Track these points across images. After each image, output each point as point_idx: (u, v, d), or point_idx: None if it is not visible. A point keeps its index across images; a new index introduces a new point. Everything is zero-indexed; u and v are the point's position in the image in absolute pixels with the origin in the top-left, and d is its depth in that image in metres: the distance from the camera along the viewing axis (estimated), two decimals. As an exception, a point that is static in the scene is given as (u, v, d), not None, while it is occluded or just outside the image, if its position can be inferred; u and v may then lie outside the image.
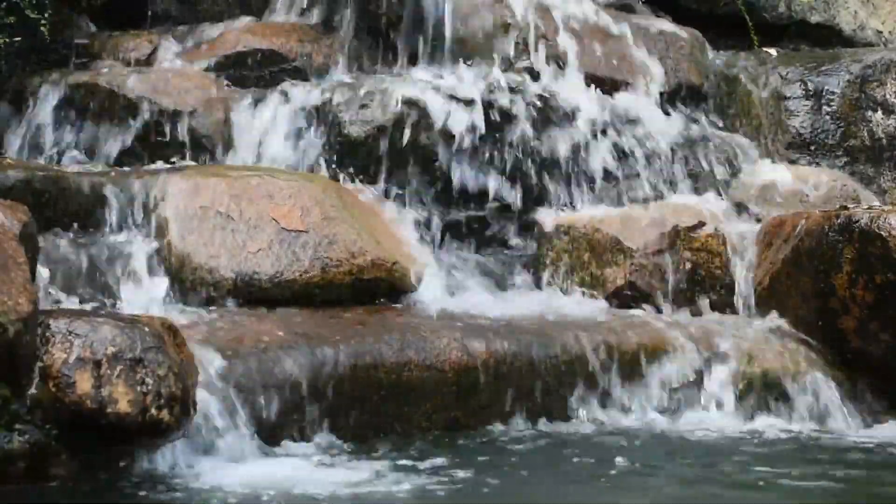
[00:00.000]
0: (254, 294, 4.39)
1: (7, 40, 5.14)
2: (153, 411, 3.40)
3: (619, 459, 3.89)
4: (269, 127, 5.21)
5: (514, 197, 5.24)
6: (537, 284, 5.10)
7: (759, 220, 5.20)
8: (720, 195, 5.48)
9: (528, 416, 4.29)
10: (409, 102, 5.13)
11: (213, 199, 4.54)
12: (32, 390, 3.37)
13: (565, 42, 5.62)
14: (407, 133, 5.11)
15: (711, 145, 5.58)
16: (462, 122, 5.17)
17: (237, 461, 3.63)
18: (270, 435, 3.81)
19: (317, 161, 5.12)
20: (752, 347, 4.60)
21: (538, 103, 5.32)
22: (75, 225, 4.51)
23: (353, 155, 5.10)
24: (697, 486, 3.62)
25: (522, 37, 5.58)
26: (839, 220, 4.56)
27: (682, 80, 5.82)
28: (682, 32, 5.96)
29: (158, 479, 3.49)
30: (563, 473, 3.74)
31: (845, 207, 4.76)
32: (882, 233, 4.44)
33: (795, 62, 5.96)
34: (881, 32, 6.69)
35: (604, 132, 5.39)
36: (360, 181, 5.07)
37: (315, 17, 5.71)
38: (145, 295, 4.33)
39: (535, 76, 5.51)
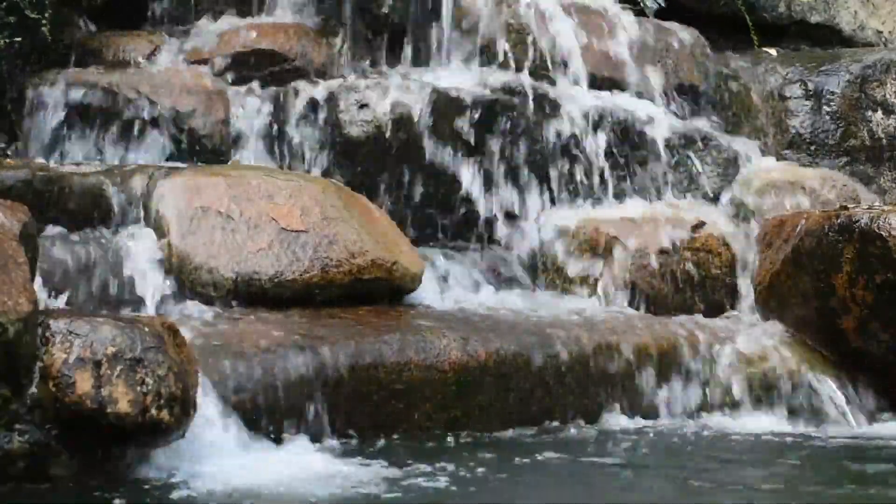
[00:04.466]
0: (254, 294, 4.39)
1: (7, 40, 5.14)
2: (153, 411, 3.40)
3: (620, 460, 3.90)
4: (268, 127, 5.21)
5: (515, 196, 5.24)
6: (537, 284, 5.10)
7: (758, 220, 5.20)
8: (720, 195, 5.48)
9: (529, 416, 4.29)
10: (410, 102, 5.13)
11: (213, 199, 4.54)
12: (32, 390, 3.37)
13: (567, 41, 5.62)
14: (407, 133, 5.10)
15: (711, 145, 5.58)
16: (463, 121, 5.17)
17: (237, 461, 3.62)
18: (271, 435, 3.81)
19: (316, 161, 5.13)
20: (751, 347, 4.61)
21: (539, 102, 5.32)
22: (75, 225, 4.51)
23: (352, 155, 5.10)
24: (692, 486, 3.62)
25: (524, 36, 5.58)
26: (839, 220, 4.56)
27: (682, 80, 5.82)
28: (682, 32, 5.96)
29: (158, 479, 3.49)
30: (565, 474, 3.74)
31: (845, 207, 4.76)
32: (882, 233, 4.45)
33: (795, 62, 5.96)
34: (881, 32, 6.69)
35: (605, 132, 5.39)
36: (360, 181, 5.08)
37: (315, 16, 5.70)
38: (144, 294, 4.33)
39: (536, 75, 5.51)
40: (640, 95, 5.68)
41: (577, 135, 5.34)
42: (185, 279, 4.39)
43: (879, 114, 5.78)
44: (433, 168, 5.15)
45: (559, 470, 3.77)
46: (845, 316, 4.59)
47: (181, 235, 4.45)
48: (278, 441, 3.83)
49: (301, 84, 5.35)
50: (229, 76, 5.43)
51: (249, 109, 5.27)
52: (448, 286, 4.90)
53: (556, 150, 5.30)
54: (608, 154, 5.38)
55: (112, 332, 3.42)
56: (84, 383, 3.36)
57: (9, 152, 5.13)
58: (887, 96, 5.79)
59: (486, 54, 5.55)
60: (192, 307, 4.32)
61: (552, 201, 5.28)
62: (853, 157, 5.75)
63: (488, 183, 5.21)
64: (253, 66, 5.46)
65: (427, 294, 4.72)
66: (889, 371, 4.57)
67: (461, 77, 5.43)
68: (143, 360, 3.41)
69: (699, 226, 5.04)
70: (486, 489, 3.52)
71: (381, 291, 4.56)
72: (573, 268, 5.06)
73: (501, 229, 5.24)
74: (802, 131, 5.77)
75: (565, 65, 5.59)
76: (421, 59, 5.57)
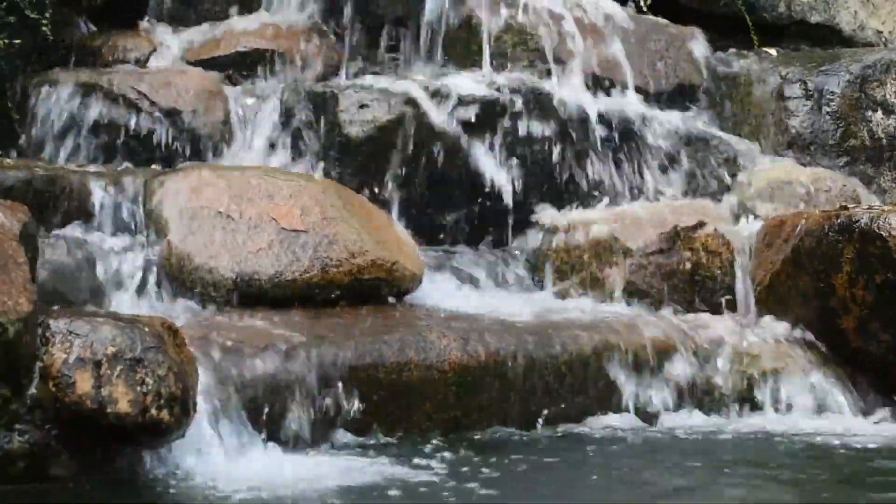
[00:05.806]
0: (254, 294, 4.39)
1: (7, 40, 5.14)
2: (153, 411, 3.40)
3: (621, 459, 3.90)
4: (268, 127, 5.21)
5: (515, 196, 5.24)
6: (537, 284, 5.10)
7: (758, 220, 5.20)
8: (720, 195, 5.48)
9: (529, 416, 4.29)
10: (410, 102, 5.13)
11: (213, 199, 4.54)
12: (32, 390, 3.37)
13: (567, 41, 5.62)
14: (407, 132, 5.11)
15: (711, 145, 5.58)
16: (463, 121, 5.17)
17: (237, 461, 3.63)
18: (270, 435, 3.81)
19: (316, 161, 5.13)
20: (751, 347, 4.61)
21: (539, 102, 5.32)
22: (75, 225, 4.51)
23: (352, 155, 5.10)
24: (688, 485, 3.62)
25: (524, 36, 5.58)
26: (839, 220, 4.56)
27: (682, 80, 5.82)
28: (682, 31, 5.96)
29: (158, 478, 3.50)
30: (566, 474, 3.74)
31: (845, 207, 4.76)
32: (882, 233, 4.45)
33: (795, 62, 5.96)
34: (881, 32, 6.69)
35: (605, 132, 5.39)
36: (360, 181, 5.08)
37: (316, 16, 5.71)
38: (144, 295, 4.34)
39: (536, 75, 5.51)
40: (639, 95, 5.68)
41: (577, 135, 5.34)
42: (185, 279, 4.39)
43: (879, 114, 5.78)
44: (434, 168, 5.15)
45: (560, 470, 3.77)
46: (845, 316, 4.59)
47: (181, 235, 4.45)
48: (277, 441, 3.83)
49: (301, 84, 5.35)
50: (229, 76, 5.43)
51: (249, 109, 5.27)
52: (448, 286, 4.90)
53: (556, 150, 5.30)
54: (608, 154, 5.38)
55: (112, 332, 3.42)
56: (84, 383, 3.36)
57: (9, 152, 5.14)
58: (887, 96, 5.79)
59: (487, 53, 5.56)
60: (192, 307, 4.33)
61: (552, 201, 5.28)
62: (853, 157, 5.75)
63: (487, 183, 5.22)
64: (253, 65, 5.47)
65: (427, 294, 4.72)
66: (889, 371, 4.57)
67: (462, 76, 5.43)
68: (143, 360, 3.41)
69: (699, 226, 5.04)
70: (487, 489, 3.52)
71: (382, 291, 4.56)
72: (573, 267, 5.05)
73: (501, 229, 5.25)
74: (802, 131, 5.76)
75: (566, 64, 5.59)
76: (422, 59, 5.57)
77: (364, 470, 3.64)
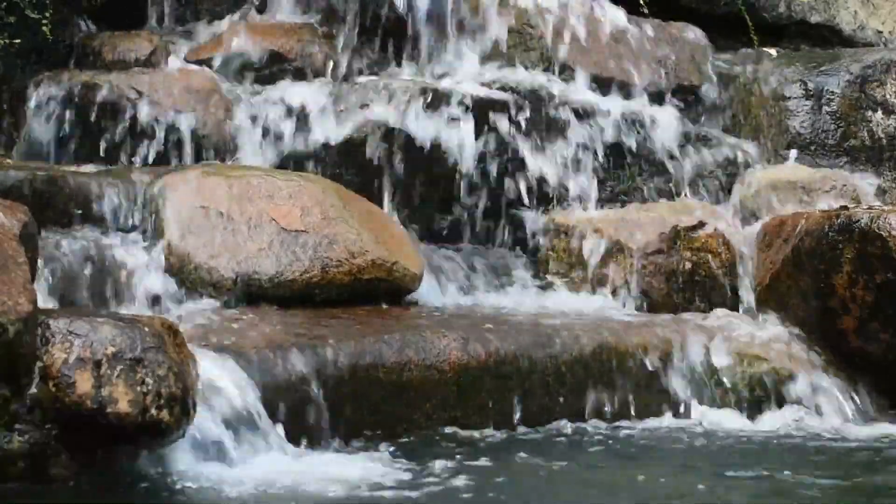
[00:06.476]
0: (253, 294, 4.39)
1: (7, 40, 5.14)
2: (153, 411, 3.39)
3: (621, 460, 3.90)
4: (268, 127, 5.21)
5: (516, 196, 5.24)
6: (537, 284, 5.11)
7: (758, 220, 5.20)
8: (720, 195, 5.48)
9: (528, 416, 4.29)
10: (410, 102, 5.13)
11: (213, 199, 4.54)
12: (32, 390, 3.37)
13: (569, 41, 5.62)
14: (408, 132, 5.11)
15: (711, 145, 5.58)
16: (464, 121, 5.17)
17: (236, 461, 3.62)
18: (270, 435, 3.81)
19: (316, 160, 5.14)
20: (752, 347, 4.60)
21: (540, 102, 5.32)
22: (75, 225, 4.51)
23: (353, 154, 5.10)
24: (690, 486, 3.62)
25: (525, 36, 5.58)
26: (839, 220, 4.57)
27: (683, 80, 5.82)
28: (683, 32, 5.96)
29: (158, 479, 3.49)
30: (566, 474, 3.74)
31: (845, 207, 4.76)
32: (882, 233, 4.45)
33: (795, 62, 5.96)
34: (881, 32, 6.69)
35: (605, 132, 5.39)
36: (360, 181, 5.08)
37: (316, 16, 5.70)
38: (144, 295, 4.33)
39: (538, 74, 5.52)
40: (640, 95, 5.68)
41: (579, 134, 5.34)
42: (185, 279, 4.39)
43: (879, 114, 5.78)
44: (432, 168, 5.16)
45: (560, 470, 3.77)
46: (845, 316, 4.59)
47: (181, 235, 4.45)
48: (278, 441, 3.82)
49: (301, 84, 5.35)
50: (229, 76, 5.43)
51: (249, 109, 5.27)
52: (448, 286, 4.90)
53: (558, 149, 5.31)
54: (608, 153, 5.38)
55: (112, 332, 3.42)
56: (84, 383, 3.36)
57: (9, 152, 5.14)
58: (887, 96, 5.79)
59: (488, 52, 5.56)
60: (192, 307, 4.33)
61: (554, 201, 5.28)
62: (853, 157, 5.75)
63: (487, 183, 5.23)
64: (253, 65, 5.47)
65: (427, 294, 4.72)
66: (889, 371, 4.57)
67: (461, 75, 5.44)
68: (143, 360, 3.41)
69: (699, 226, 5.04)
70: (487, 490, 3.52)
71: (381, 291, 4.56)
72: (574, 268, 5.05)
73: (503, 229, 5.25)
74: (802, 131, 5.76)
75: (568, 64, 5.59)
76: (422, 59, 5.58)
77: (364, 469, 3.64)
